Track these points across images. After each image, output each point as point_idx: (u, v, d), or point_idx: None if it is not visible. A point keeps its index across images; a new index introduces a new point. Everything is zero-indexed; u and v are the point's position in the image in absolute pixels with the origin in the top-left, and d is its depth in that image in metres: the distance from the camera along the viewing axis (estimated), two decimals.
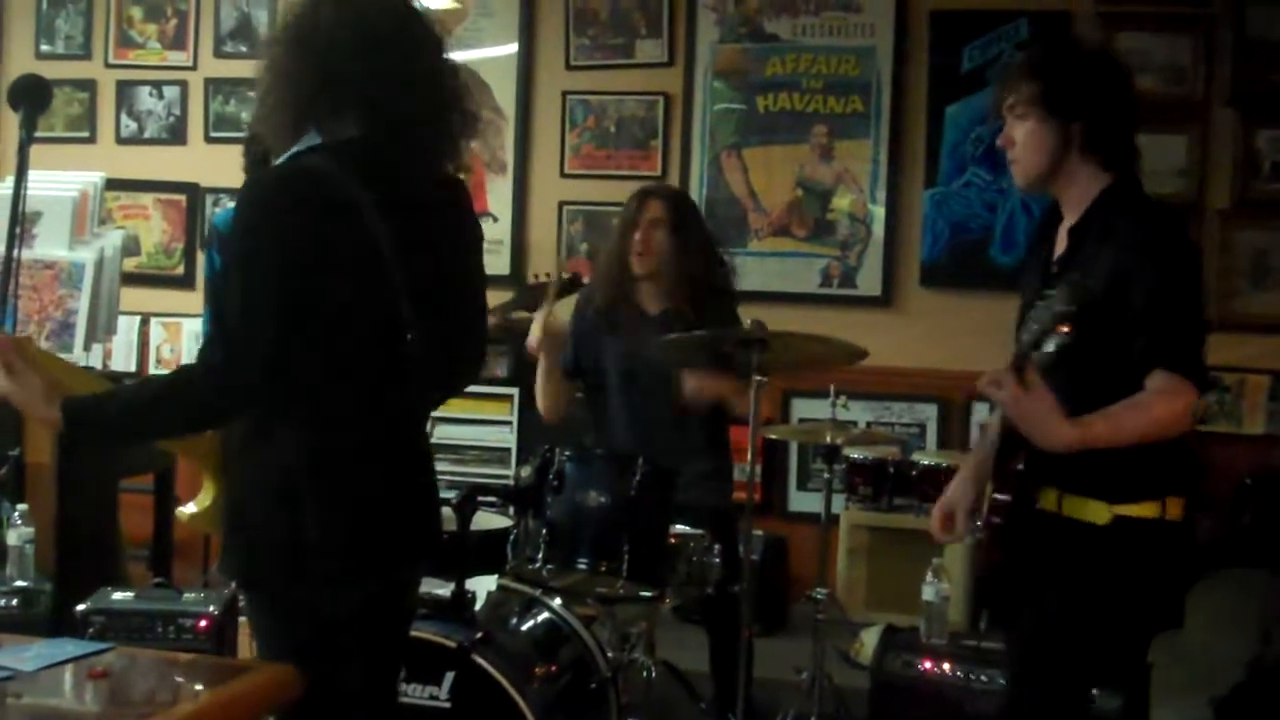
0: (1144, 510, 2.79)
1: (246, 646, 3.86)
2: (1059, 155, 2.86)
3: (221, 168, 5.94)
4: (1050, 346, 2.62)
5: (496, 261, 6.48)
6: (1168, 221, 2.86)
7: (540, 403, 4.37)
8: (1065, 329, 2.59)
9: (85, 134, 6.88)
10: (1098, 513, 2.81)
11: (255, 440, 2.45)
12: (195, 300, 6.47)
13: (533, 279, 4.72)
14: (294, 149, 2.46)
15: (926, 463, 5.36)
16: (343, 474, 2.45)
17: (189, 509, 2.69)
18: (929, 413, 5.93)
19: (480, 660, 3.14)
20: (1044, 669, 2.93)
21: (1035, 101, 2.86)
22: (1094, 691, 3.35)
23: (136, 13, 6.87)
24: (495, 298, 5.59)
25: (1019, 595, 3.00)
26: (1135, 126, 2.93)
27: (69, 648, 2.26)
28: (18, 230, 2.67)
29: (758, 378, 3.82)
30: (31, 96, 2.75)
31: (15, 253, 2.70)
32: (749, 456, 3.87)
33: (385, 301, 2.44)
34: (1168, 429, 2.74)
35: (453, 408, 6.07)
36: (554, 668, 3.47)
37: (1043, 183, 2.93)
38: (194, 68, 6.82)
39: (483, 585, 3.66)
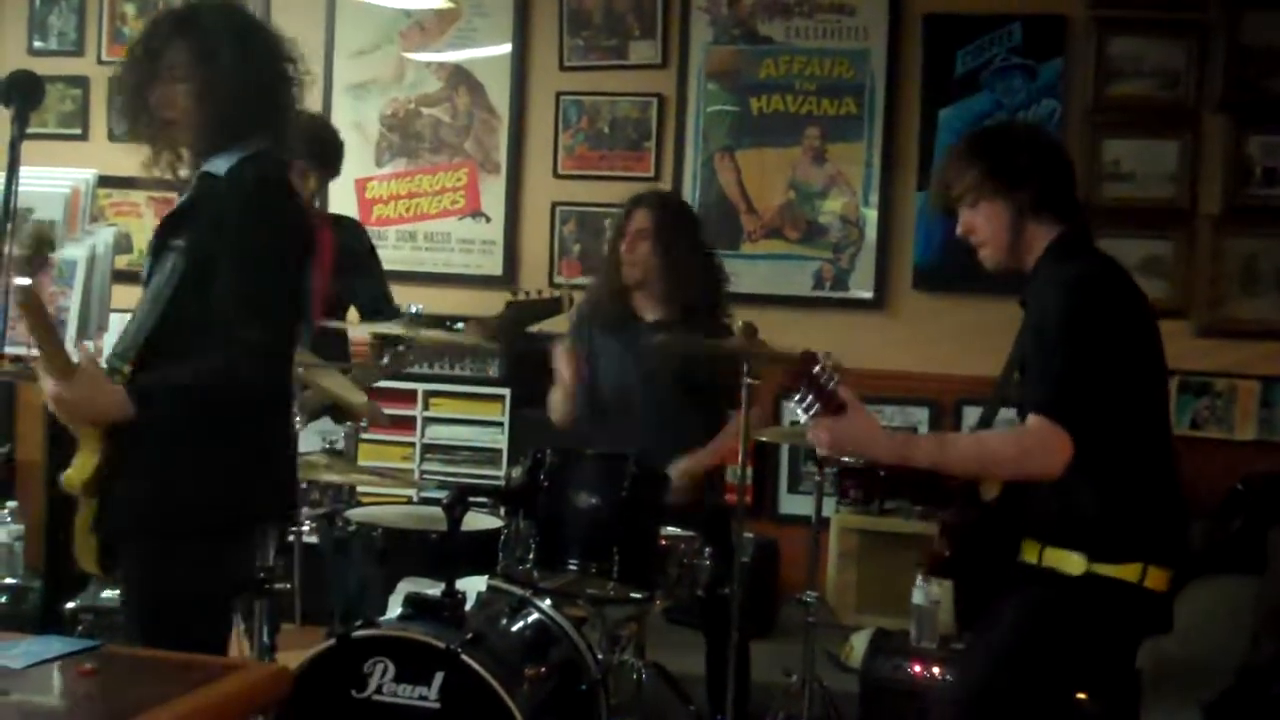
0: (1121, 572, 2.81)
1: (236, 645, 3.86)
2: (1018, 225, 2.97)
3: None
4: None
5: (489, 262, 6.48)
6: (1079, 275, 2.89)
7: (557, 413, 4.34)
8: None
9: (77, 131, 6.86)
10: (1074, 564, 2.83)
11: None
12: None
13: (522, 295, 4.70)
14: (241, 154, 2.83)
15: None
16: (257, 434, 2.83)
17: (74, 473, 2.75)
18: (920, 416, 5.93)
19: (470, 661, 3.13)
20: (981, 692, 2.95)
21: (980, 184, 2.99)
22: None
23: (129, 9, 6.85)
24: (488, 299, 5.59)
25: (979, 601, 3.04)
26: (1074, 184, 3.04)
27: (57, 645, 2.26)
28: (9, 227, 2.68)
29: (748, 380, 3.82)
30: (24, 92, 2.76)
31: (7, 249, 2.73)
32: (740, 459, 3.87)
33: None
34: (1023, 468, 2.79)
35: (444, 408, 6.10)
36: (544, 669, 3.46)
37: (1011, 256, 3.01)
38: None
39: (473, 586, 3.65)
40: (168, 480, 2.75)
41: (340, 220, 5.10)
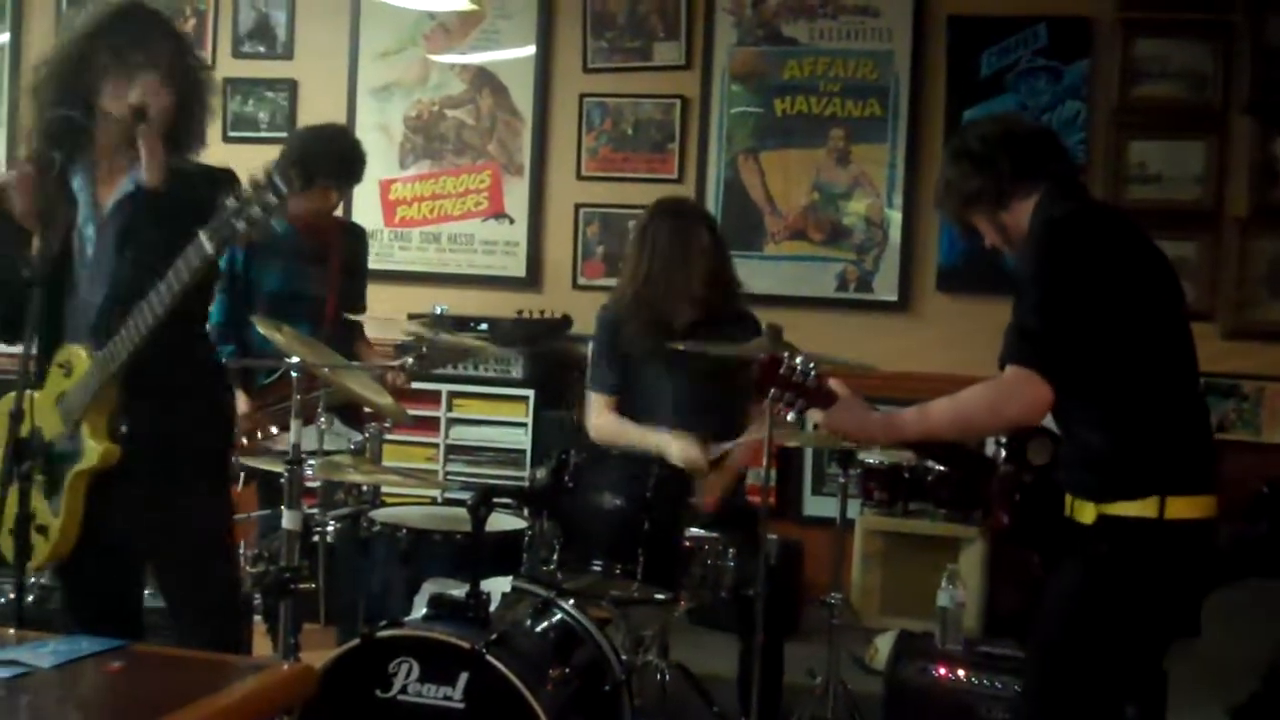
0: (1134, 509, 2.79)
1: (261, 644, 3.87)
2: (998, 222, 3.07)
3: (239, 168, 5.94)
4: None
5: (512, 263, 6.48)
6: (1049, 221, 2.93)
7: (602, 436, 4.32)
8: None
9: None
10: (1087, 513, 2.82)
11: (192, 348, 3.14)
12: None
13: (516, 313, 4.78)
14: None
15: (942, 468, 5.35)
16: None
17: (97, 447, 2.95)
18: None
19: (494, 661, 3.13)
20: (1044, 676, 2.94)
21: (966, 213, 3.11)
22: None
23: None
24: (511, 300, 5.59)
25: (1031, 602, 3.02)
26: (1021, 142, 3.08)
27: (85, 644, 2.26)
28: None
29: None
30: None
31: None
32: (764, 460, 3.87)
33: None
34: (999, 416, 2.83)
35: (468, 409, 6.11)
36: (568, 670, 3.46)
37: (1013, 244, 3.08)
38: (212, 68, 6.82)
39: (497, 587, 3.65)
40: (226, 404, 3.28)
41: (351, 228, 5.17)
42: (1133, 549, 2.80)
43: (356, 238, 5.10)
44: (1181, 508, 2.79)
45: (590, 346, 4.41)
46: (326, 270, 4.76)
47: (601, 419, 4.27)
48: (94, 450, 2.94)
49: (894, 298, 6.06)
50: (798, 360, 2.84)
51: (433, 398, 6.04)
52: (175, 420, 3.01)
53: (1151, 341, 2.88)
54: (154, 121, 2.97)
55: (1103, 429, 2.81)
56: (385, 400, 4.09)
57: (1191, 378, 2.96)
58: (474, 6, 6.35)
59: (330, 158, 4.67)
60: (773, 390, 2.84)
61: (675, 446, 4.01)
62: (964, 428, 2.93)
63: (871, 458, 5.41)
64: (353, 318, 4.65)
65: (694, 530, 3.68)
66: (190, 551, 3.06)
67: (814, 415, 2.91)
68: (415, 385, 4.87)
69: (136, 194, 3.00)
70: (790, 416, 2.90)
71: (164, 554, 3.10)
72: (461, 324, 5.46)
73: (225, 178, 3.00)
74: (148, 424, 2.98)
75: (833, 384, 2.87)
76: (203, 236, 2.73)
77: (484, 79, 6.56)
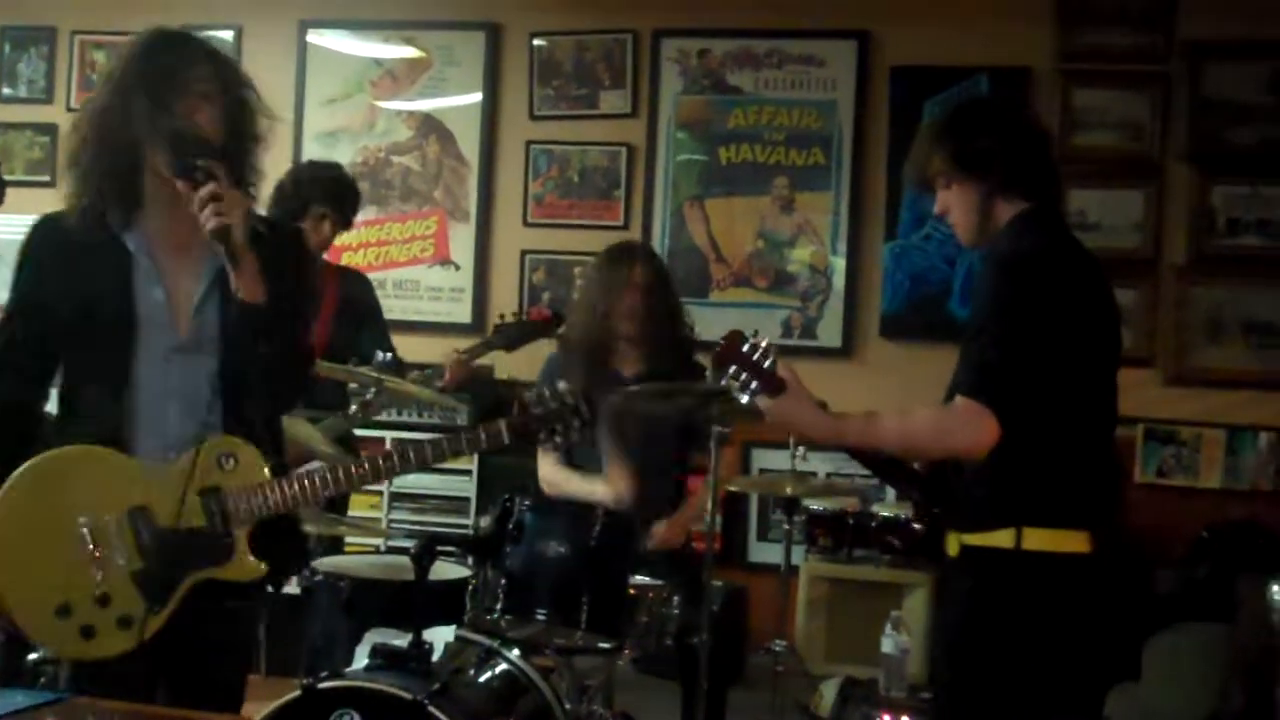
0: (992, 540, 2.79)
1: None
2: (986, 206, 2.97)
3: None
4: None
5: (458, 309, 6.48)
6: (1018, 256, 2.89)
7: (550, 488, 4.31)
8: None
9: (46, 178, 6.84)
10: (952, 544, 2.84)
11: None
12: None
13: (498, 318, 4.71)
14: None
15: (886, 514, 5.37)
16: None
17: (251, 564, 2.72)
18: None
19: (437, 712, 3.11)
20: (945, 715, 2.96)
21: (948, 168, 3.00)
22: None
23: (99, 57, 6.86)
24: (457, 346, 5.58)
25: None
26: (1047, 155, 3.05)
27: (20, 699, 2.23)
28: None
29: (718, 428, 3.82)
30: None
31: None
32: (709, 507, 3.87)
33: None
34: (944, 444, 2.81)
35: None
36: None
37: (981, 235, 3.01)
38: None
39: (440, 636, 3.63)
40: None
41: (346, 272, 5.12)
42: (992, 580, 2.81)
43: (353, 282, 5.00)
44: (1041, 540, 2.78)
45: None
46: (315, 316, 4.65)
47: (548, 470, 4.27)
48: (249, 565, 2.69)
49: (838, 344, 6.09)
50: (762, 341, 2.83)
51: (377, 445, 6.00)
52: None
53: (1078, 383, 2.87)
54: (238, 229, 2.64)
55: (988, 463, 2.77)
56: (329, 449, 4.07)
57: (1102, 421, 2.95)
58: (421, 54, 6.36)
59: (325, 183, 4.68)
60: (731, 368, 2.82)
61: (601, 489, 4.03)
62: (907, 448, 2.92)
63: (816, 504, 5.42)
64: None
65: (638, 578, 3.67)
66: (212, 678, 2.91)
67: (762, 403, 2.87)
68: (359, 432, 4.85)
69: (244, 309, 2.67)
70: (744, 400, 2.88)
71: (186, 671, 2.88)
72: (405, 371, 5.44)
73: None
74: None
75: (782, 372, 2.85)
76: (502, 426, 2.70)
77: (430, 125, 6.58)
